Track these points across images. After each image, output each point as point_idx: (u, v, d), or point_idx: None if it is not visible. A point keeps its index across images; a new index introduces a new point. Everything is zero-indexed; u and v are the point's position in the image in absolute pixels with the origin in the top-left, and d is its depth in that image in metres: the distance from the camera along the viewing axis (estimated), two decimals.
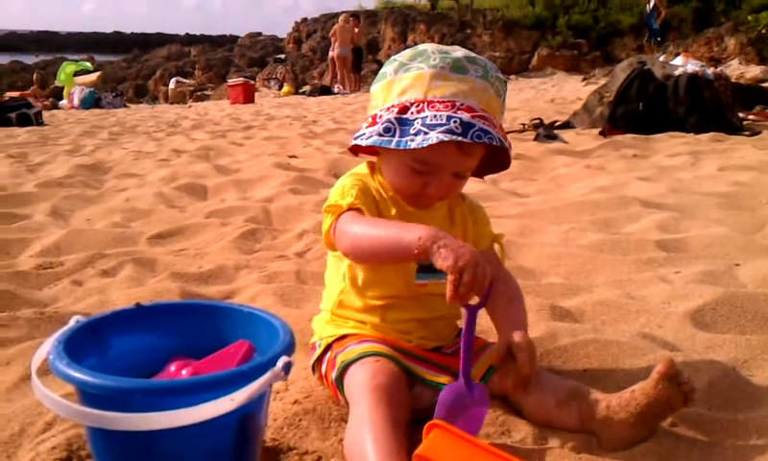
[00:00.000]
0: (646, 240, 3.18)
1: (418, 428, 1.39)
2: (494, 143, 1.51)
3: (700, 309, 2.26)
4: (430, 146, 1.48)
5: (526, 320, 1.73)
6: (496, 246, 1.86)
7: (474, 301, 1.43)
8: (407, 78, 1.59)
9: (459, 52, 1.63)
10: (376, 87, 1.67)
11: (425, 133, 1.49)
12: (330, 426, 1.61)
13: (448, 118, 1.49)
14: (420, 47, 1.66)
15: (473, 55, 1.64)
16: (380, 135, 1.55)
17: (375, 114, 1.62)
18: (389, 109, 1.59)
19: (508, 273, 1.84)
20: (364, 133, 1.61)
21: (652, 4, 20.75)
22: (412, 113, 1.54)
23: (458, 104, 1.53)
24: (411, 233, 1.42)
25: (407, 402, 1.51)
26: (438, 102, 1.54)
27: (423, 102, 1.55)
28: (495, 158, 1.70)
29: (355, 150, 1.73)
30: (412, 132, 1.52)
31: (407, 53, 1.66)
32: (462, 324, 1.46)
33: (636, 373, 1.80)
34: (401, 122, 1.54)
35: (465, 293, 1.35)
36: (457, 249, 1.36)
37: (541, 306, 2.33)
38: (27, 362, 1.91)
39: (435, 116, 1.51)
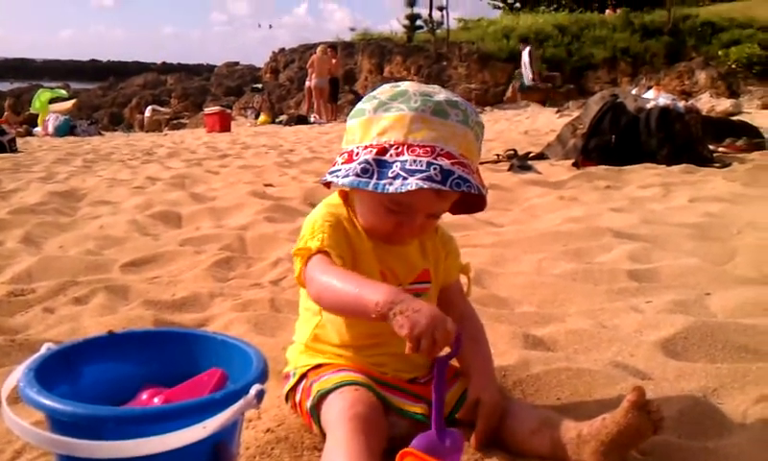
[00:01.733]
0: (618, 270, 3.21)
1: (390, 458, 1.39)
2: (473, 191, 1.52)
3: (671, 338, 2.29)
4: (408, 190, 1.48)
5: (491, 360, 1.80)
6: (463, 277, 1.89)
7: (445, 350, 1.43)
8: (387, 118, 1.57)
9: (441, 95, 1.61)
10: (354, 123, 1.64)
11: (404, 178, 1.48)
12: (303, 455, 1.60)
13: (428, 165, 1.48)
14: (402, 86, 1.63)
15: (454, 98, 1.62)
16: (357, 176, 1.52)
17: (352, 150, 1.60)
18: (366, 148, 1.56)
19: (471, 309, 1.89)
20: (339, 170, 1.59)
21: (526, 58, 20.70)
22: (391, 156, 1.52)
23: (438, 149, 1.52)
24: (370, 296, 1.42)
25: (384, 432, 1.52)
26: (418, 146, 1.52)
27: (403, 145, 1.53)
28: (471, 200, 1.69)
29: (328, 182, 1.72)
30: (390, 175, 1.50)
31: (387, 91, 1.63)
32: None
33: (608, 401, 1.81)
34: (379, 164, 1.52)
35: (425, 355, 1.37)
36: (412, 315, 1.35)
37: (514, 335, 2.35)
38: None
39: (414, 161, 1.49)
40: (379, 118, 1.58)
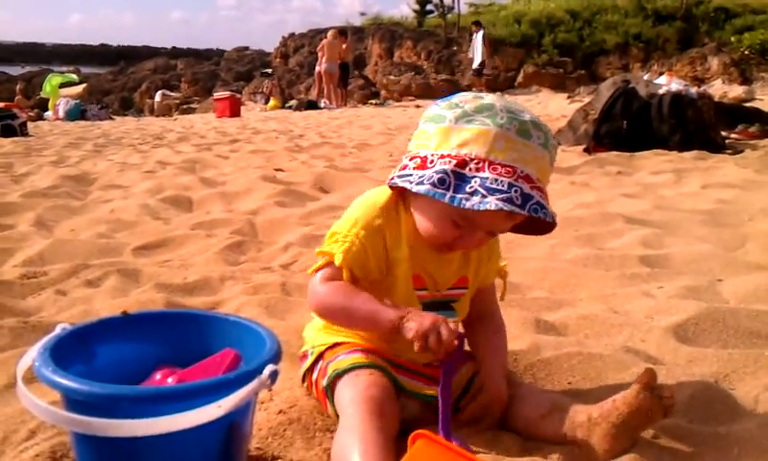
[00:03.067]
0: (630, 256, 3.20)
1: (402, 438, 1.40)
2: (548, 220, 1.49)
3: (683, 324, 2.28)
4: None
5: (505, 354, 1.82)
6: (498, 280, 1.88)
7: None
8: (470, 130, 1.51)
9: (526, 115, 1.56)
10: (431, 128, 1.58)
11: (483, 196, 1.43)
12: (315, 436, 1.61)
13: (510, 186, 1.44)
14: (487, 100, 1.57)
15: (537, 120, 1.57)
16: (434, 186, 1.47)
17: (426, 156, 1.55)
18: (444, 157, 1.51)
19: (497, 308, 1.88)
20: (411, 175, 1.53)
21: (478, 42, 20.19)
22: (470, 169, 1.47)
23: (518, 171, 1.48)
24: (381, 316, 1.52)
25: (397, 416, 1.52)
26: (499, 165, 1.47)
27: (484, 161, 1.48)
28: (536, 223, 1.63)
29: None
30: (468, 190, 1.45)
31: (471, 101, 1.57)
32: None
33: (618, 386, 1.80)
34: (458, 176, 1.47)
35: (434, 352, 1.43)
36: (418, 319, 1.46)
37: (526, 320, 2.35)
38: (10, 371, 1.90)
39: (496, 180, 1.45)
40: (461, 129, 1.53)
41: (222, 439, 1.25)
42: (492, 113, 1.52)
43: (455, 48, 25.46)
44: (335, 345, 1.71)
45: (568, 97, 17.63)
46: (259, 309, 2.51)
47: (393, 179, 1.58)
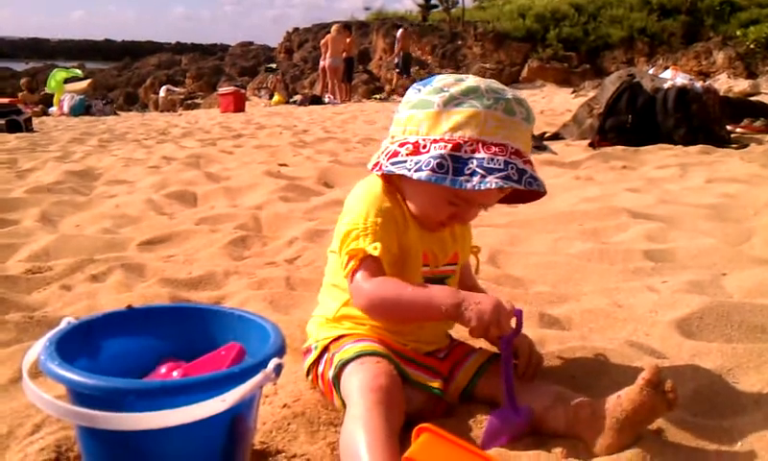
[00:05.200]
0: (634, 250, 3.20)
1: (407, 431, 1.40)
2: (542, 191, 1.59)
3: (687, 318, 2.28)
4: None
5: None
6: (471, 256, 1.94)
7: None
8: (460, 113, 1.58)
9: (508, 93, 1.63)
10: (419, 114, 1.63)
11: (482, 176, 1.50)
12: (319, 430, 1.62)
13: (506, 164, 1.52)
14: (470, 82, 1.63)
15: (518, 96, 1.64)
16: (434, 171, 1.53)
17: (417, 142, 1.60)
18: (437, 141, 1.57)
19: (477, 282, 2.01)
20: (405, 162, 1.58)
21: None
22: (465, 152, 1.54)
23: (510, 148, 1.55)
24: (436, 303, 1.54)
25: (403, 406, 1.53)
26: (493, 144, 1.55)
27: (477, 142, 1.55)
28: (522, 193, 1.68)
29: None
30: (467, 172, 1.52)
31: (454, 84, 1.63)
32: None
33: (622, 380, 1.80)
34: (455, 159, 1.53)
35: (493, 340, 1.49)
36: (476, 308, 1.49)
37: (530, 314, 2.35)
38: (15, 365, 1.91)
39: (492, 160, 1.52)
40: (450, 112, 1.59)
41: (226, 433, 1.25)
42: (478, 95, 1.60)
43: (459, 42, 25.42)
44: (339, 337, 1.71)
45: (573, 91, 17.60)
46: (264, 304, 2.52)
47: (380, 165, 1.64)
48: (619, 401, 1.50)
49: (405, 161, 1.58)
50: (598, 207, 4.10)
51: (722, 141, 7.01)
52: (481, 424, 1.64)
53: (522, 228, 3.73)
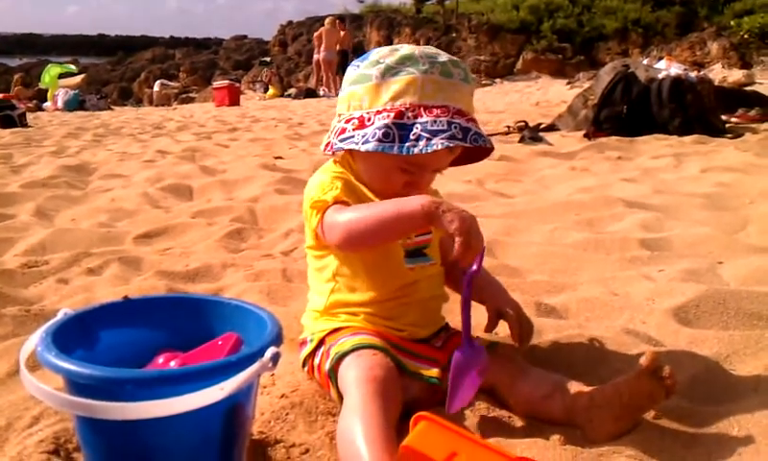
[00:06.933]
0: (630, 239, 3.20)
1: (404, 420, 1.41)
2: (488, 146, 1.60)
3: (683, 306, 2.28)
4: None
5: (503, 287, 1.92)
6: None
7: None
8: (398, 82, 1.60)
9: (444, 56, 1.66)
10: (358, 89, 1.66)
11: (428, 139, 1.52)
12: (317, 420, 1.62)
13: (449, 124, 1.54)
14: (404, 50, 1.66)
15: (454, 58, 1.68)
16: (380, 141, 1.55)
17: (362, 116, 1.62)
18: (380, 112, 1.59)
19: None
20: (352, 137, 1.60)
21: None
22: (408, 118, 1.56)
23: (451, 108, 1.58)
24: (410, 204, 1.49)
25: (400, 397, 1.53)
26: (434, 107, 1.57)
27: (419, 107, 1.57)
28: (471, 153, 1.74)
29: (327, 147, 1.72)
30: (412, 137, 1.54)
31: (389, 54, 1.65)
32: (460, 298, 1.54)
33: (620, 367, 1.81)
34: (399, 127, 1.56)
35: (472, 253, 1.43)
36: (460, 212, 1.43)
37: (527, 303, 2.34)
38: (12, 359, 1.91)
39: (435, 122, 1.54)
40: (389, 82, 1.61)
41: (224, 422, 1.25)
42: (414, 61, 1.62)
43: (454, 35, 25.37)
44: (335, 330, 1.71)
45: (568, 83, 17.57)
46: (261, 296, 2.52)
47: (331, 145, 1.66)
48: (617, 389, 1.51)
49: (353, 136, 1.60)
50: (594, 198, 4.10)
51: (717, 131, 7.02)
52: (478, 412, 1.64)
53: (518, 218, 3.73)
